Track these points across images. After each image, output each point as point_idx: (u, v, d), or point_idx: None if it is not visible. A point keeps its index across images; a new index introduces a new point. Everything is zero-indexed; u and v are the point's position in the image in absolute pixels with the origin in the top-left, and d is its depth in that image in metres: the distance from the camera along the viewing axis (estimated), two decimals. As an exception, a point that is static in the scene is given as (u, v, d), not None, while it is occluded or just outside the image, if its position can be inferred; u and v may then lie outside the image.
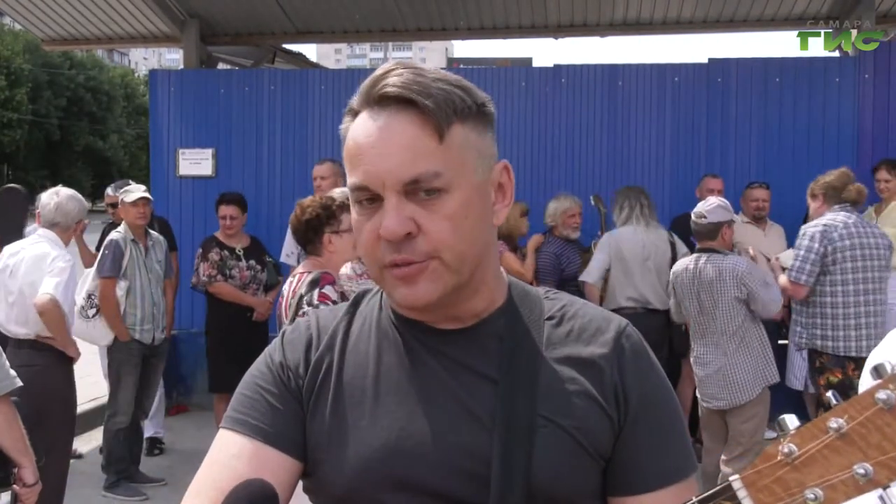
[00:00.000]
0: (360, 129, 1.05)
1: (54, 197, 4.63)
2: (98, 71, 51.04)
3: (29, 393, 4.23)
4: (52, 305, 4.30)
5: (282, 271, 6.20)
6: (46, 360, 4.44)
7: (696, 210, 4.83)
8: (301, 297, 3.48)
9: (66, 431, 4.60)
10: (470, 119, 1.06)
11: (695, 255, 4.83)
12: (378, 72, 1.06)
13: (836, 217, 4.84)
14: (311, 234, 3.72)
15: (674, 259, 5.40)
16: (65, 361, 4.57)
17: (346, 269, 3.98)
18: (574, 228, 6.03)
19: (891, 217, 6.13)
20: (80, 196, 4.83)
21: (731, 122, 7.28)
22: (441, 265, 1.04)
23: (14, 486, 2.77)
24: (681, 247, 5.52)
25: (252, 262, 6.14)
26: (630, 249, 5.36)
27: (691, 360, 4.96)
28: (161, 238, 5.78)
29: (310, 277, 3.52)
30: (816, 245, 4.76)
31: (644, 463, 1.06)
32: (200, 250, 6.14)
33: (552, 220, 6.12)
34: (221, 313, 6.10)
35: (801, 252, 4.79)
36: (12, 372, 2.77)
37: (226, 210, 6.16)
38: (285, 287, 3.80)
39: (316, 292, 3.42)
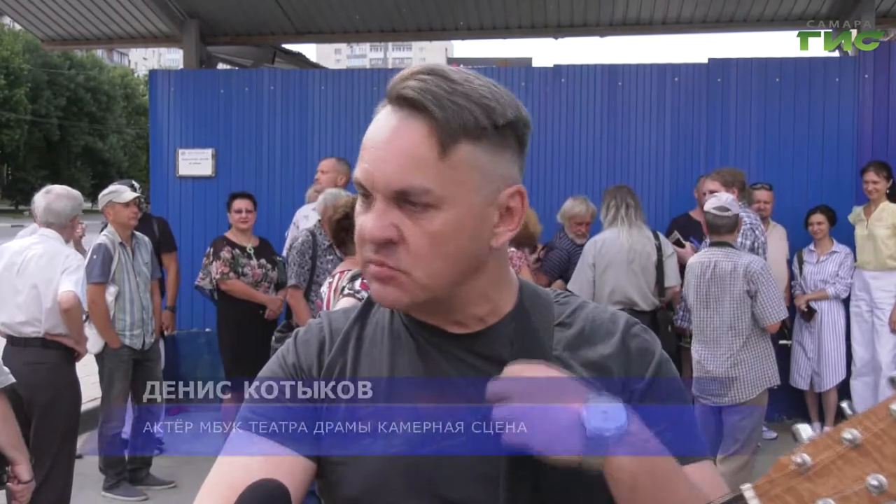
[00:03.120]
0: (375, 123, 1.05)
1: (44, 199, 4.60)
2: (98, 71, 51.07)
3: (39, 390, 4.25)
4: (76, 302, 4.41)
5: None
6: (55, 358, 4.48)
7: (715, 205, 4.77)
8: (343, 288, 3.49)
9: (73, 427, 4.64)
10: (484, 139, 1.02)
11: (710, 249, 4.82)
12: (409, 70, 1.05)
13: (752, 214, 5.48)
14: (343, 234, 3.71)
15: (660, 260, 5.39)
16: (70, 359, 4.62)
17: None
18: (579, 236, 6.00)
19: (881, 218, 6.17)
20: (73, 192, 4.77)
21: (731, 123, 7.27)
22: (410, 281, 1.04)
23: (8, 483, 2.75)
24: (667, 247, 5.49)
25: (263, 260, 6.15)
26: (615, 252, 5.34)
27: (692, 356, 4.94)
28: (146, 238, 5.70)
29: (351, 273, 3.52)
30: (762, 237, 5.32)
31: None
32: (211, 249, 6.10)
33: (562, 220, 6.11)
34: (234, 311, 6.09)
35: (753, 243, 5.25)
36: (6, 368, 2.77)
37: (240, 203, 6.15)
38: (324, 288, 3.77)
39: (358, 282, 3.41)
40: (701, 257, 4.85)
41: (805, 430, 0.70)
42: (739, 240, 5.08)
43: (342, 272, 3.64)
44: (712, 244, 4.83)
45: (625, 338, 1.13)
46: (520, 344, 1.10)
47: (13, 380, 2.77)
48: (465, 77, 1.04)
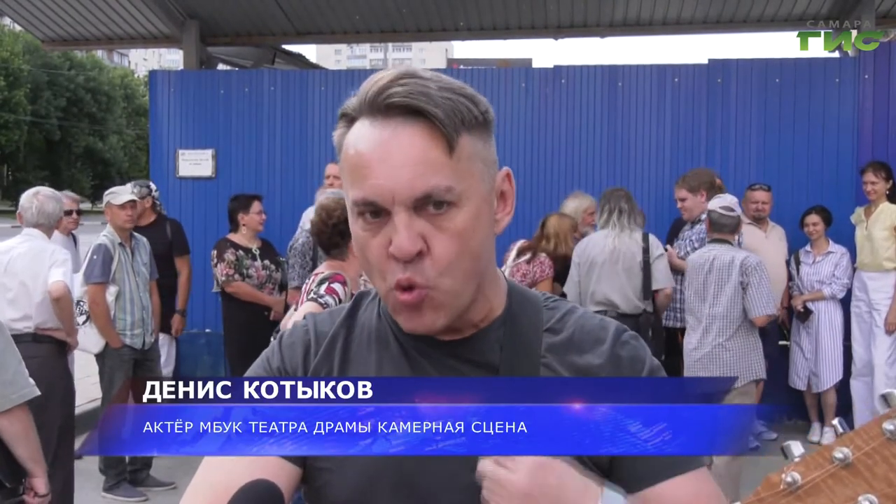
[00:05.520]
0: (364, 139, 1.02)
1: (34, 200, 4.68)
2: (98, 72, 50.98)
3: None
4: (66, 291, 4.51)
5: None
6: (46, 352, 4.54)
7: (721, 204, 5.01)
8: (311, 291, 3.52)
9: (70, 421, 4.67)
10: (476, 128, 1.04)
11: (710, 245, 5.02)
12: (382, 79, 1.02)
13: None
14: (338, 238, 3.70)
15: (646, 262, 5.35)
16: (62, 353, 4.68)
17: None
18: (593, 226, 6.01)
19: (880, 219, 6.17)
20: (58, 194, 4.94)
21: (731, 123, 7.26)
22: (443, 294, 1.02)
23: (24, 496, 2.73)
24: (655, 249, 5.43)
25: (266, 262, 6.15)
26: (597, 253, 5.33)
27: (685, 348, 5.07)
28: (144, 239, 5.68)
29: (321, 276, 3.55)
30: (740, 238, 5.39)
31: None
32: (215, 252, 6.11)
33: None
34: (239, 313, 6.08)
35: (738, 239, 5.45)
36: (31, 380, 2.74)
37: (259, 205, 6.19)
38: (303, 288, 3.80)
39: (324, 286, 3.44)
40: (701, 253, 5.03)
41: (796, 448, 0.69)
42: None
43: (316, 274, 3.65)
44: (712, 241, 5.01)
45: (615, 346, 1.12)
46: (509, 350, 1.10)
47: (38, 392, 2.75)
48: (434, 75, 1.04)
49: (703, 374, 4.83)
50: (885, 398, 0.66)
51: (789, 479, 0.67)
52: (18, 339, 4.40)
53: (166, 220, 6.42)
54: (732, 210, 4.98)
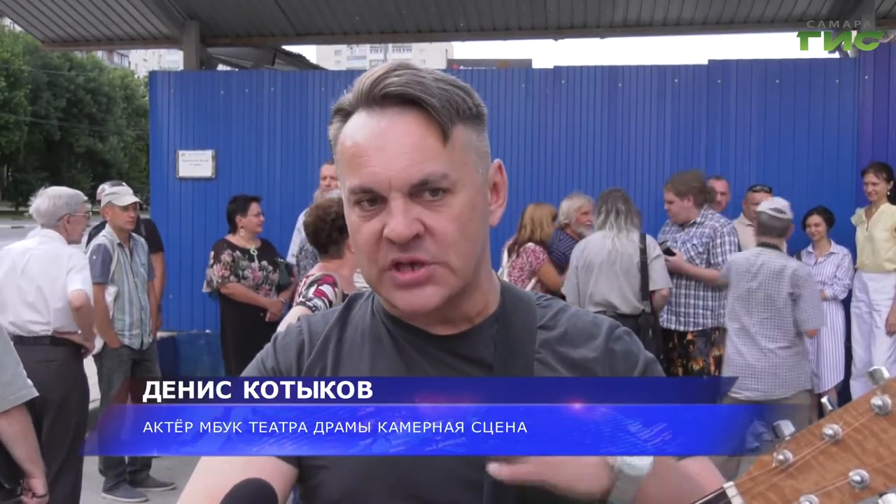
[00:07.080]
0: (361, 129, 1.03)
1: (35, 200, 4.66)
2: (98, 72, 51.01)
3: (50, 387, 4.32)
4: (87, 300, 4.52)
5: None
6: (64, 355, 4.56)
7: (771, 206, 4.91)
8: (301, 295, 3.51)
9: (83, 423, 4.68)
10: (470, 120, 1.06)
11: (759, 248, 4.92)
12: (377, 71, 1.04)
13: (723, 218, 5.73)
14: (337, 235, 3.68)
15: (643, 262, 5.33)
16: (78, 356, 4.69)
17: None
18: (588, 226, 6.02)
19: (881, 220, 6.16)
20: (63, 191, 4.74)
21: (731, 124, 7.27)
22: (447, 270, 1.04)
23: (22, 497, 2.73)
24: (652, 250, 5.42)
25: (264, 262, 6.13)
26: (594, 254, 5.34)
27: (727, 351, 5.00)
28: (142, 240, 5.70)
29: (311, 279, 3.55)
30: (736, 240, 5.52)
31: None
32: (212, 253, 6.12)
33: (566, 218, 6.11)
34: (235, 314, 6.08)
35: (727, 247, 5.46)
36: (29, 381, 2.74)
37: (257, 206, 6.18)
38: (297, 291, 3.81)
39: (313, 289, 3.43)
40: (748, 257, 4.93)
41: (787, 427, 0.70)
42: (727, 247, 5.36)
43: (308, 277, 3.64)
44: (760, 244, 4.92)
45: (608, 341, 1.13)
46: (503, 345, 1.11)
47: (36, 393, 2.75)
48: (428, 69, 1.06)
49: (749, 381, 4.72)
50: (871, 375, 0.67)
51: (781, 457, 0.68)
52: (37, 341, 4.46)
53: (139, 219, 6.44)
54: (783, 213, 4.85)
